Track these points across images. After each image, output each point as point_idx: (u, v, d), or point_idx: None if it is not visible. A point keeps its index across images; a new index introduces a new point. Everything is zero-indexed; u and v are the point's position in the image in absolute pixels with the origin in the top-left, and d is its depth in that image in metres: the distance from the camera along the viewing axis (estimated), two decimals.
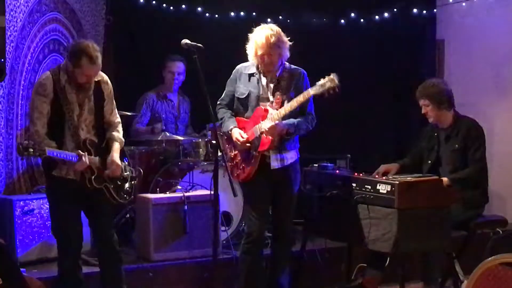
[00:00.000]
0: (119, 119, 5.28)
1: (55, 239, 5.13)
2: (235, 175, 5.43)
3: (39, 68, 6.40)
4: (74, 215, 5.06)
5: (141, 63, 7.47)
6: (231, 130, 5.36)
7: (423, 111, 5.84)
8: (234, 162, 5.42)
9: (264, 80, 5.38)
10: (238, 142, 5.31)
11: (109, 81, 5.19)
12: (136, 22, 7.60)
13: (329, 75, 5.20)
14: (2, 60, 5.62)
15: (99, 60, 4.89)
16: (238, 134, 5.32)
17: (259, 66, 5.35)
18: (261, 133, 5.26)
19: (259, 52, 5.24)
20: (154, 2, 7.55)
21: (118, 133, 5.21)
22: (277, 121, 5.21)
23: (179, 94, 7.32)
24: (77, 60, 4.87)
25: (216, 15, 7.73)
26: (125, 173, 5.19)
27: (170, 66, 7.14)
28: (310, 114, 5.43)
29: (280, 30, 5.31)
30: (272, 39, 5.21)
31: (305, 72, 5.46)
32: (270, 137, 5.25)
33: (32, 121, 4.96)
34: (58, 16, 6.67)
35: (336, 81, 5.18)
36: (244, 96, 5.41)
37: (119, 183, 5.14)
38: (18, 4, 5.97)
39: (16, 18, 5.94)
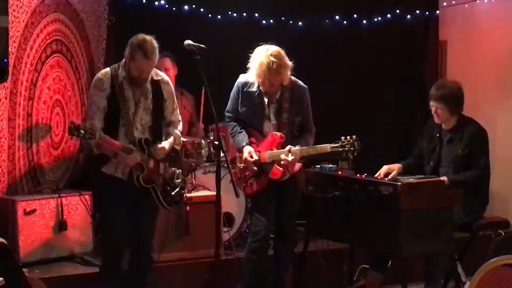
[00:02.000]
0: (180, 118, 5.31)
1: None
2: (242, 187, 5.45)
3: (42, 69, 6.40)
4: (121, 213, 5.03)
5: None
6: (243, 146, 5.39)
7: (433, 111, 5.80)
8: (243, 175, 5.43)
9: (266, 100, 5.39)
10: (247, 162, 5.35)
11: (170, 82, 5.22)
12: (138, 23, 7.57)
13: (353, 138, 5.21)
14: (6, 60, 5.63)
15: (154, 56, 4.92)
16: (248, 154, 5.35)
17: (260, 87, 5.36)
18: (274, 161, 5.30)
19: (261, 78, 5.25)
20: (156, 2, 7.55)
21: (177, 131, 5.23)
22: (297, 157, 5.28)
23: (177, 90, 7.29)
24: (132, 53, 4.92)
25: (219, 16, 7.72)
26: (177, 181, 5.19)
27: (157, 65, 7.13)
28: (312, 128, 5.50)
29: (281, 52, 5.27)
30: (274, 67, 5.18)
31: (306, 88, 5.47)
32: (282, 169, 5.30)
33: (89, 115, 5.00)
34: (61, 16, 6.66)
35: (356, 147, 5.20)
36: (248, 115, 5.44)
37: (168, 188, 5.14)
38: (21, 4, 5.97)
39: (18, 18, 5.94)
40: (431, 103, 5.79)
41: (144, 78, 5.00)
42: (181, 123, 5.32)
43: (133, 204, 5.06)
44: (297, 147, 5.30)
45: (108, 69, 5.07)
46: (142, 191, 5.01)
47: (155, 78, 5.10)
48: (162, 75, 5.19)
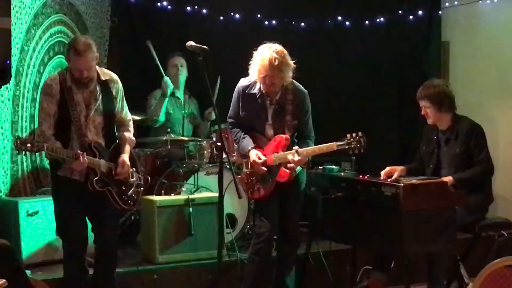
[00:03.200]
0: (130, 117, 5.30)
1: (61, 240, 5.13)
2: (249, 192, 5.45)
3: (44, 70, 6.40)
4: (78, 216, 5.05)
5: (146, 65, 7.47)
6: (249, 151, 5.36)
7: (422, 112, 5.82)
8: (249, 180, 5.43)
9: (266, 102, 5.38)
10: (256, 165, 5.32)
11: (118, 80, 5.20)
12: (141, 24, 7.61)
13: (359, 135, 5.13)
14: (8, 62, 5.63)
15: (87, 54, 4.87)
16: (255, 156, 5.32)
17: (261, 86, 5.35)
18: (280, 164, 5.27)
19: (262, 74, 5.23)
20: (159, 4, 7.56)
21: (129, 133, 5.23)
22: (305, 158, 5.24)
23: (185, 93, 7.32)
24: (67, 54, 4.95)
25: (221, 17, 7.73)
26: (132, 179, 5.18)
27: (172, 61, 7.18)
28: (312, 135, 5.47)
29: (284, 51, 5.25)
30: (276, 63, 5.16)
31: (307, 93, 5.44)
32: (289, 171, 5.26)
33: (39, 121, 5.00)
34: (63, 18, 6.67)
35: (363, 143, 5.11)
36: (249, 117, 5.42)
37: (124, 188, 5.14)
38: (24, 6, 5.97)
39: (21, 20, 5.94)
40: (419, 103, 5.80)
41: (86, 77, 4.95)
42: (131, 122, 5.31)
43: (92, 205, 5.05)
44: (304, 148, 5.29)
45: (55, 74, 5.06)
46: (98, 195, 5.00)
47: (102, 78, 5.08)
48: (111, 74, 5.17)
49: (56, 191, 5.14)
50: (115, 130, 5.26)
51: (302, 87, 5.44)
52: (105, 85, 5.10)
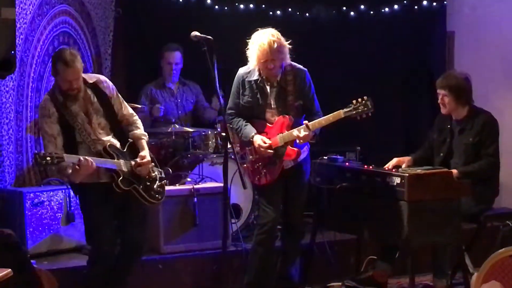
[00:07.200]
0: (133, 112, 5.26)
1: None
2: (256, 179, 5.45)
3: (49, 61, 6.40)
4: (108, 221, 5.00)
5: (151, 55, 7.47)
6: (252, 137, 5.36)
7: (439, 100, 5.79)
8: (255, 167, 5.42)
9: (267, 87, 5.38)
10: (262, 149, 5.31)
11: (107, 80, 5.14)
12: (145, 15, 7.60)
13: (364, 98, 5.12)
14: (13, 52, 5.62)
15: (76, 63, 4.82)
16: (260, 141, 5.32)
17: (262, 72, 5.34)
18: (286, 143, 5.27)
19: (263, 59, 5.23)
20: None
21: (140, 130, 5.20)
22: (311, 131, 5.22)
23: (180, 81, 7.31)
24: (54, 67, 4.88)
25: (226, 7, 7.72)
26: (153, 174, 5.16)
27: (167, 57, 7.17)
28: (320, 112, 5.44)
29: (279, 33, 5.28)
30: (275, 46, 5.18)
31: (306, 70, 5.44)
32: (296, 149, 5.27)
33: (44, 145, 4.94)
34: (68, 8, 6.67)
35: (370, 106, 5.12)
36: (250, 104, 5.42)
37: (148, 183, 5.10)
38: None
39: (25, 10, 5.94)
40: (438, 91, 5.78)
41: (76, 88, 4.89)
42: (136, 117, 5.26)
43: (119, 205, 5.03)
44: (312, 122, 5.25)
45: (46, 95, 4.99)
46: (125, 194, 4.97)
47: (90, 81, 5.02)
48: (97, 76, 5.14)
49: (83, 197, 5.06)
50: (128, 130, 5.21)
51: (300, 66, 5.43)
52: (95, 87, 5.04)
